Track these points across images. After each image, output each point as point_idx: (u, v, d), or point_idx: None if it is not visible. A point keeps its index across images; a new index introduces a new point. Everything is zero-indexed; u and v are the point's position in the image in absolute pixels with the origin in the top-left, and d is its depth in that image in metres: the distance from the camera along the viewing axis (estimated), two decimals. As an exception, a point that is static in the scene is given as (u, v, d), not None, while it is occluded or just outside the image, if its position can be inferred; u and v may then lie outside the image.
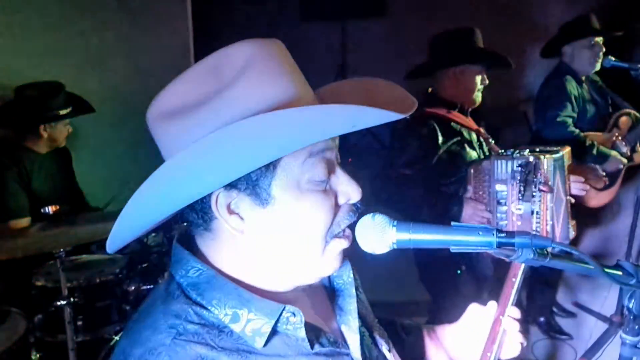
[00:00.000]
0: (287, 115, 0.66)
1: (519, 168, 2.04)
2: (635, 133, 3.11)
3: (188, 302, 0.74)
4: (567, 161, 2.20)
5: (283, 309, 0.74)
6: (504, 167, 2.09)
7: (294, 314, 0.74)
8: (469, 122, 2.39)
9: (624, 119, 3.13)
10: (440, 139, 2.29)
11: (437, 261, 2.39)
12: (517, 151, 2.13)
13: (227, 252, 0.78)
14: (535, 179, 2.02)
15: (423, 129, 2.29)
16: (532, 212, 2.05)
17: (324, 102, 0.78)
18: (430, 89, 2.47)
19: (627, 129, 3.13)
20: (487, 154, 2.43)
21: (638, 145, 3.13)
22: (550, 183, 2.05)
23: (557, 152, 2.12)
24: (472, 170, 2.23)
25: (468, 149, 2.35)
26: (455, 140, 2.32)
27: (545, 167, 2.04)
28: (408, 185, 2.26)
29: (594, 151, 2.92)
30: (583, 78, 3.13)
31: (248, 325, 0.72)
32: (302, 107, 0.68)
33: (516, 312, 1.03)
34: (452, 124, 2.35)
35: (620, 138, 3.10)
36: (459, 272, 2.36)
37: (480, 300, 2.59)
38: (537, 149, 2.15)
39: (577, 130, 2.96)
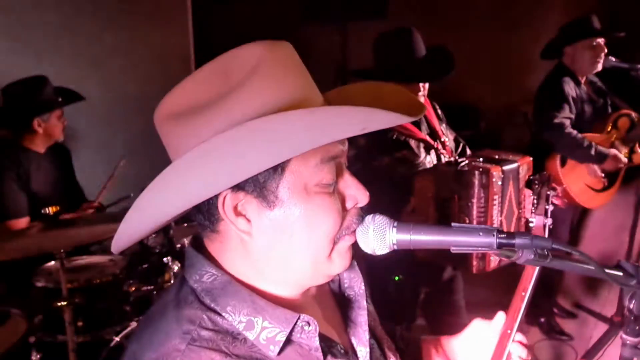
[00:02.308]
0: (298, 116, 0.66)
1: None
2: (634, 134, 3.11)
3: (202, 307, 0.73)
4: (524, 172, 2.07)
5: (298, 318, 0.73)
6: (450, 177, 1.98)
7: (308, 323, 0.74)
8: (414, 130, 2.25)
9: (623, 119, 3.13)
10: (382, 148, 2.18)
11: (381, 266, 2.32)
12: (466, 161, 2.01)
13: (235, 255, 0.77)
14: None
15: (360, 140, 2.16)
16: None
17: (333, 105, 0.78)
18: None
19: (625, 130, 3.13)
20: (437, 161, 2.30)
21: (637, 146, 3.13)
22: (497, 195, 1.93)
23: (512, 162, 2.01)
24: (416, 181, 2.11)
25: (414, 158, 2.23)
26: (400, 150, 2.20)
27: (494, 178, 1.92)
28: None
29: (592, 151, 2.91)
30: (581, 79, 3.13)
31: (262, 334, 0.72)
32: (313, 109, 0.68)
33: (521, 337, 1.02)
34: (396, 133, 2.20)
35: (618, 139, 3.10)
36: (396, 278, 2.32)
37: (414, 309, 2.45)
38: (496, 157, 2.05)
39: (574, 132, 2.96)
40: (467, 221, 1.95)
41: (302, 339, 0.74)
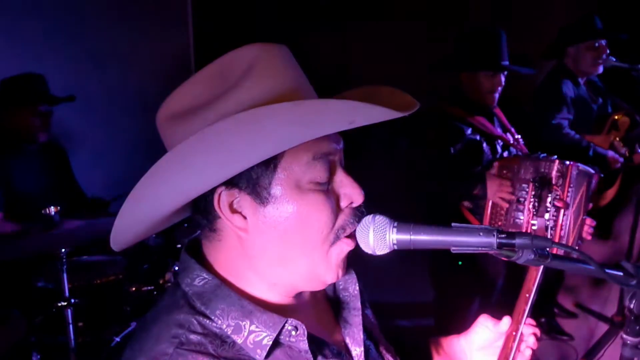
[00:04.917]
0: (282, 109, 0.67)
1: (533, 182, 2.07)
2: (635, 134, 3.10)
3: (192, 311, 0.74)
4: (594, 184, 2.24)
5: (285, 322, 0.74)
6: (528, 168, 2.14)
7: (296, 327, 0.74)
8: (490, 128, 2.42)
9: (622, 119, 3.13)
10: (460, 135, 2.33)
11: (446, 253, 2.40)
12: (545, 155, 2.18)
13: (233, 253, 0.78)
14: (550, 194, 2.04)
15: (441, 124, 2.34)
16: (547, 228, 2.07)
17: None
18: (456, 86, 2.50)
19: (625, 130, 3.13)
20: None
21: (637, 146, 3.13)
22: (569, 196, 2.07)
23: (589, 167, 2.18)
24: (497, 164, 2.26)
25: (485, 149, 2.38)
26: (471, 138, 2.35)
27: (571, 175, 2.08)
28: (426, 179, 2.30)
29: (590, 152, 2.92)
30: (581, 80, 3.12)
31: (250, 337, 0.73)
32: (300, 101, 0.69)
33: (531, 328, 1.02)
34: (472, 126, 2.37)
35: (618, 139, 3.10)
36: (460, 262, 2.39)
37: (482, 297, 2.56)
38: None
39: (572, 132, 2.96)
40: (537, 223, 2.10)
41: (291, 342, 0.75)
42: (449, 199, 2.36)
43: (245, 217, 0.75)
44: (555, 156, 2.17)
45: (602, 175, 2.32)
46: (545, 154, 2.20)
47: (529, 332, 1.02)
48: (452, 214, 2.32)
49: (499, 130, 2.45)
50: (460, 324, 1.12)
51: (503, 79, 2.42)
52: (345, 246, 0.79)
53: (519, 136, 2.52)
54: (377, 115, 0.66)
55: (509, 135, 2.49)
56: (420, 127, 2.40)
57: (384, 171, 2.63)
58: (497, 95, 2.43)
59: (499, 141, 2.44)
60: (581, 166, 2.15)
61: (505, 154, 2.45)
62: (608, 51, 3.04)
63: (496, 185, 2.20)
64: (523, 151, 2.45)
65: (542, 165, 2.11)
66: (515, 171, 2.18)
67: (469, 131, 2.35)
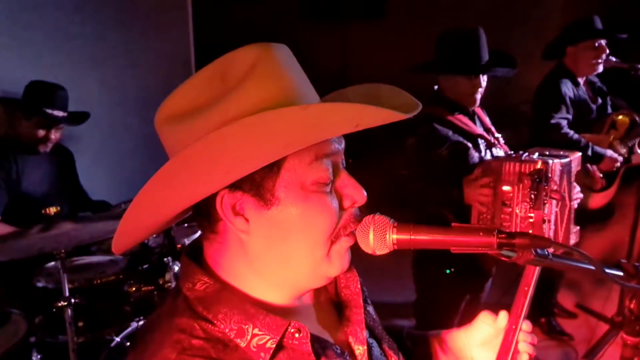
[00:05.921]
0: (291, 112, 0.66)
1: (531, 175, 2.04)
2: (634, 134, 3.11)
3: (194, 316, 0.74)
4: (575, 167, 2.21)
5: (288, 325, 0.73)
6: (511, 169, 2.09)
7: (299, 330, 0.74)
8: (472, 126, 2.38)
9: (621, 119, 3.13)
10: (441, 138, 2.28)
11: (432, 257, 2.40)
12: (527, 154, 2.13)
13: (234, 255, 0.77)
14: (547, 187, 2.02)
15: (422, 128, 2.28)
16: (544, 220, 2.05)
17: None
18: (435, 87, 2.46)
19: (624, 130, 3.13)
20: (494, 156, 2.43)
21: (636, 146, 3.13)
22: (555, 187, 2.06)
23: (565, 157, 2.14)
24: (479, 169, 2.22)
25: (471, 150, 2.35)
26: (456, 141, 2.31)
27: (554, 172, 2.05)
28: (407, 184, 2.28)
29: (589, 152, 2.92)
30: (581, 80, 3.13)
31: (253, 341, 0.72)
32: (306, 105, 0.69)
33: (528, 325, 1.01)
34: (454, 126, 2.33)
35: (617, 139, 3.10)
36: (447, 271, 2.36)
37: (462, 302, 2.55)
38: (547, 153, 2.16)
39: (571, 132, 2.96)
40: (525, 209, 2.06)
41: (295, 345, 0.75)
42: (432, 205, 2.32)
43: (247, 220, 0.74)
44: (537, 154, 2.14)
45: (582, 155, 2.32)
46: (527, 153, 2.16)
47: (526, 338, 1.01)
48: (437, 221, 2.29)
49: (480, 129, 2.42)
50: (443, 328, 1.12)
51: (484, 80, 2.34)
52: (346, 242, 0.79)
53: (499, 135, 2.48)
54: (382, 118, 0.66)
55: (489, 135, 2.45)
56: (404, 131, 2.36)
57: (377, 174, 2.63)
58: (478, 97, 2.36)
59: (482, 140, 2.40)
60: (563, 161, 2.11)
61: (489, 154, 2.41)
62: (608, 51, 3.04)
63: (474, 191, 2.16)
64: (504, 150, 2.43)
65: (525, 165, 2.07)
66: (497, 174, 2.13)
67: (450, 133, 2.30)
